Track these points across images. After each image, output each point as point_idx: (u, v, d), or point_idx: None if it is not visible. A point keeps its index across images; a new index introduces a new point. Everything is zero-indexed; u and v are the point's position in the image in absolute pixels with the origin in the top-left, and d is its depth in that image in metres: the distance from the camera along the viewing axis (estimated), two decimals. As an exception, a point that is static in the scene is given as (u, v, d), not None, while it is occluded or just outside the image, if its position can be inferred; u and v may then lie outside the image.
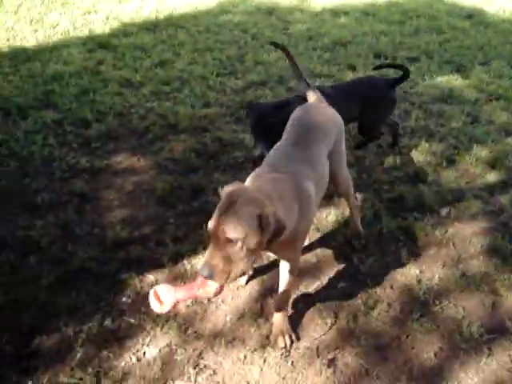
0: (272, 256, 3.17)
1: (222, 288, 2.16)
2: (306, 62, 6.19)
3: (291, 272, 2.64)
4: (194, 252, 3.27)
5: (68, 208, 3.66)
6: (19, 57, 6.49)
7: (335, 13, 8.32)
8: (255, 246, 2.05)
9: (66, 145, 4.44)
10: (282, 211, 2.20)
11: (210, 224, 2.06)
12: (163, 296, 2.19)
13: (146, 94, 5.33)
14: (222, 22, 7.83)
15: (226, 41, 6.93)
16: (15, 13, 8.32)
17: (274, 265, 3.14)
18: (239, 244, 2.02)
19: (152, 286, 3.01)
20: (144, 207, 3.68)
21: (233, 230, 1.99)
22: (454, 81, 5.88)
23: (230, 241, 2.01)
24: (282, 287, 2.71)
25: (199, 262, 3.20)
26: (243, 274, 2.12)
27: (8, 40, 7.11)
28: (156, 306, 2.20)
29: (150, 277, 3.10)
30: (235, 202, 2.04)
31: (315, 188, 2.57)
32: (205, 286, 2.16)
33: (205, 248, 3.21)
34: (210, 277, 2.03)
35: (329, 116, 3.00)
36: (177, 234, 3.39)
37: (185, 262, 3.21)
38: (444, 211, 3.73)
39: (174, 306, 2.24)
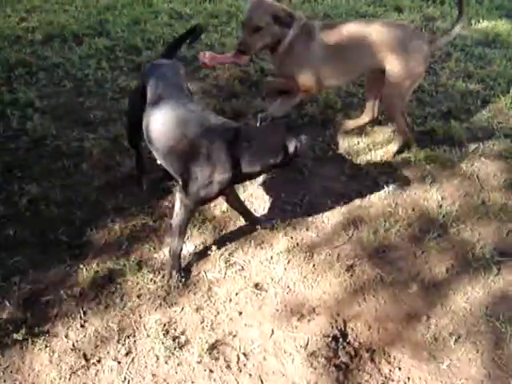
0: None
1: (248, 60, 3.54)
2: (351, 2, 6.25)
3: None
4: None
5: (117, 124, 3.97)
6: (75, -13, 6.74)
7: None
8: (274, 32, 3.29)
9: (118, 69, 4.72)
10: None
11: (244, 15, 3.34)
12: (208, 56, 3.41)
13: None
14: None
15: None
16: None
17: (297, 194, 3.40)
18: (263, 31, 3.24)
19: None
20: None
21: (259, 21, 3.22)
22: (501, 26, 5.87)
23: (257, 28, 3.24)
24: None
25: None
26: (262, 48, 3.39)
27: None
28: (202, 59, 3.42)
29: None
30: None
31: None
32: (238, 57, 3.41)
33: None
34: (244, 48, 3.34)
35: None
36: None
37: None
38: (472, 146, 3.87)
39: (214, 65, 3.67)
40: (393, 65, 3.38)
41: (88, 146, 3.72)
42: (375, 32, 3.38)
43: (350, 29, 3.43)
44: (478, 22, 5.91)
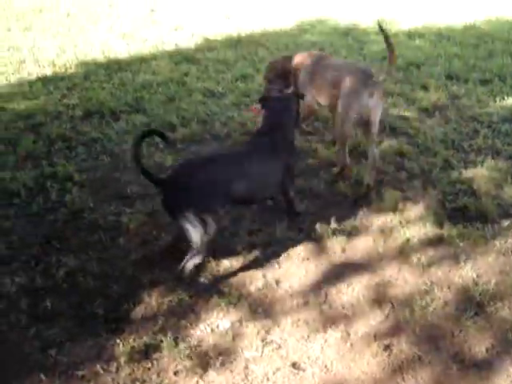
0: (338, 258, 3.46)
1: None
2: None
3: None
4: (267, 243, 3.58)
5: (154, 199, 4.06)
6: (113, 67, 7.10)
7: (410, 35, 8.55)
8: None
9: (153, 145, 4.89)
10: None
11: None
12: None
13: (228, 103, 5.74)
14: (301, 41, 8.21)
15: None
16: (110, 28, 9.03)
17: (334, 263, 3.42)
18: None
19: (227, 270, 3.36)
20: (222, 202, 4.03)
21: None
22: (526, 103, 5.97)
23: None
24: None
25: (272, 250, 3.52)
26: None
27: (103, 52, 7.76)
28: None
29: (226, 262, 3.43)
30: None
31: None
32: None
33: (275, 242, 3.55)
34: None
35: None
36: (251, 228, 3.72)
37: (256, 251, 3.52)
38: (505, 223, 3.87)
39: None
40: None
41: (125, 221, 3.81)
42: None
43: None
44: (503, 99, 6.02)
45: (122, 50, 7.87)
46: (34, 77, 6.83)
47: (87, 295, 3.18)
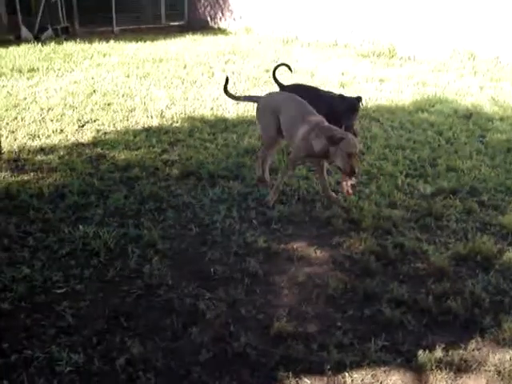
0: None
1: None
2: (500, 176, 5.74)
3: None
4: (358, 365, 3.03)
5: (238, 286, 3.64)
6: (218, 126, 6.92)
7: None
8: None
9: (247, 221, 4.51)
10: None
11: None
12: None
13: (332, 183, 5.29)
14: (417, 120, 7.67)
15: (419, 140, 6.74)
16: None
17: None
18: None
19: (307, 392, 2.84)
20: (313, 303, 3.53)
21: None
22: None
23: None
24: None
25: (361, 376, 2.95)
26: None
27: (212, 109, 7.64)
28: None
29: (307, 382, 2.91)
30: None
31: None
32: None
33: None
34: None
35: None
36: (342, 341, 3.18)
37: (346, 373, 2.97)
38: None
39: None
40: None
41: (202, 307, 3.40)
42: None
43: None
44: None
45: (230, 109, 7.71)
46: (140, 126, 6.78)
47: (145, 394, 2.77)
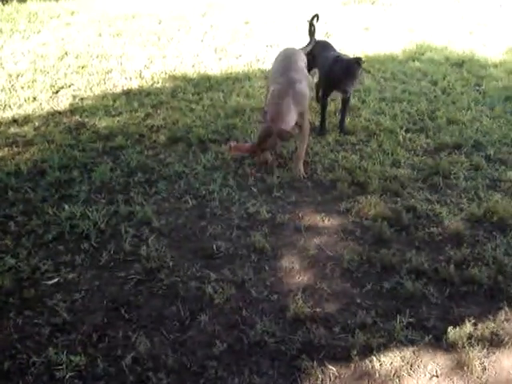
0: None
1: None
2: (503, 128, 5.49)
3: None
4: (385, 346, 2.79)
5: (245, 264, 3.36)
6: (203, 84, 6.51)
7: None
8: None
9: (246, 189, 4.19)
10: None
11: None
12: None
13: (331, 141, 4.99)
14: (409, 70, 7.35)
15: (414, 92, 6.43)
16: (201, 40, 8.48)
17: None
18: None
19: (335, 380, 2.59)
20: (328, 278, 3.27)
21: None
22: None
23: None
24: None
25: (389, 359, 2.72)
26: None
27: (193, 66, 7.20)
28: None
29: (333, 369, 2.67)
30: None
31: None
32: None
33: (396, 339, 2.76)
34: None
35: None
36: (365, 321, 2.93)
37: (373, 357, 2.74)
38: None
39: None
40: None
41: (209, 291, 3.11)
42: None
43: None
44: None
45: (213, 66, 7.26)
46: (119, 90, 6.33)
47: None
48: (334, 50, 5.33)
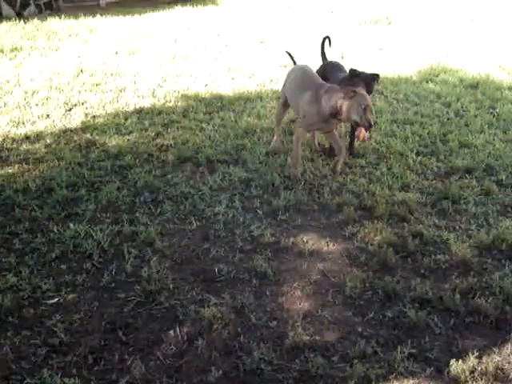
0: None
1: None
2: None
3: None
4: (384, 378, 2.72)
5: (246, 288, 3.32)
6: (214, 104, 6.54)
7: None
8: None
9: (251, 211, 4.17)
10: None
11: None
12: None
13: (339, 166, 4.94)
14: (422, 91, 7.30)
15: (427, 114, 6.38)
16: (215, 59, 8.53)
17: None
18: None
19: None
20: (330, 305, 3.22)
21: None
22: None
23: None
24: None
25: (388, 392, 2.66)
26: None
27: (206, 85, 7.23)
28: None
29: (328, 398, 2.61)
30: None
31: None
32: None
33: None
34: None
35: None
36: (365, 350, 2.87)
37: (372, 386, 2.67)
38: None
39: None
40: None
41: (208, 316, 3.07)
42: None
43: None
44: None
45: (226, 85, 7.30)
46: (131, 108, 6.38)
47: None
48: (345, 72, 5.29)
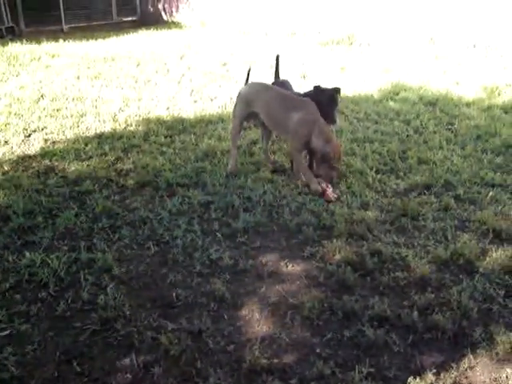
0: None
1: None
2: (473, 166, 5.48)
3: None
4: (342, 400, 2.71)
5: (203, 313, 3.28)
6: (176, 127, 6.53)
7: (507, 110, 7.55)
8: None
9: (210, 234, 4.14)
10: None
11: None
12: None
13: (299, 184, 4.96)
14: (382, 109, 7.41)
15: (387, 132, 6.47)
16: (178, 82, 8.54)
17: None
18: None
19: None
20: (288, 327, 3.19)
21: None
22: None
23: None
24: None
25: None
26: None
27: (168, 109, 7.22)
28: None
29: (287, 424, 2.58)
30: None
31: None
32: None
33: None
34: None
35: None
36: (323, 371, 2.85)
37: (328, 410, 2.65)
38: None
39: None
40: None
41: (164, 342, 3.02)
42: None
43: None
44: None
45: (188, 108, 7.31)
46: (91, 133, 6.33)
47: None
48: (293, 90, 5.42)
